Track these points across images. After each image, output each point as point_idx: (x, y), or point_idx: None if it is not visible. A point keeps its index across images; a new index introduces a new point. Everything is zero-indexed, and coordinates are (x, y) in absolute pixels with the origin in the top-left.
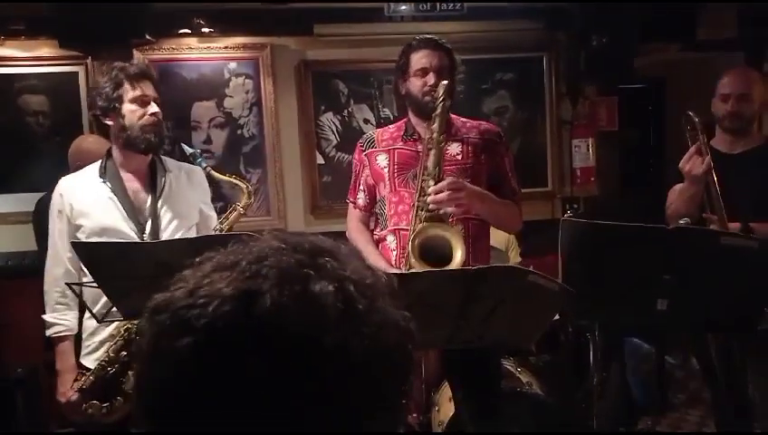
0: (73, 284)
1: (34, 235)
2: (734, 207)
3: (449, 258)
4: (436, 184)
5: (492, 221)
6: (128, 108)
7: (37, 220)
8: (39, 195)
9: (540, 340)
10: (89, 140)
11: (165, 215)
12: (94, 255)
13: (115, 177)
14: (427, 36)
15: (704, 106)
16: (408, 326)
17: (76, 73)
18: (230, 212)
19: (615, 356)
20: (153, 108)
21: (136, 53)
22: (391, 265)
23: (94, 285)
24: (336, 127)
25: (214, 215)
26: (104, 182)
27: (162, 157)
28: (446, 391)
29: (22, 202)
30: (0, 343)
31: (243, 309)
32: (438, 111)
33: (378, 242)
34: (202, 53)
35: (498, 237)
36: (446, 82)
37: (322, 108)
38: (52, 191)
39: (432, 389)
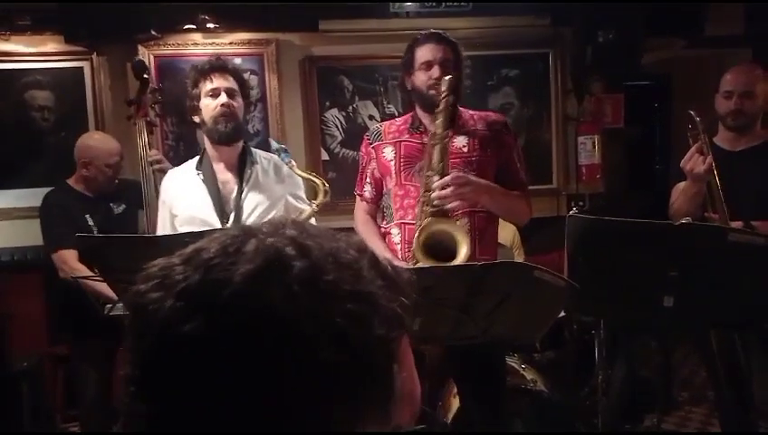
0: (80, 277)
1: (41, 229)
2: (737, 206)
3: (454, 254)
4: (440, 179)
5: (499, 213)
6: (203, 103)
7: (44, 215)
8: (44, 190)
9: (544, 337)
10: (95, 137)
11: (248, 206)
12: (98, 248)
13: (208, 168)
14: (432, 30)
15: (710, 103)
16: (391, 308)
17: (81, 69)
18: (304, 209)
19: (622, 353)
20: (222, 98)
21: (141, 49)
22: (397, 259)
23: (100, 278)
24: (341, 123)
25: (304, 207)
26: (199, 174)
27: (253, 148)
28: (450, 388)
29: (27, 197)
30: (5, 336)
31: (185, 260)
32: (441, 106)
33: (384, 235)
34: (207, 48)
35: (503, 234)
36: (448, 77)
37: (327, 104)
38: (60, 186)
39: (436, 385)
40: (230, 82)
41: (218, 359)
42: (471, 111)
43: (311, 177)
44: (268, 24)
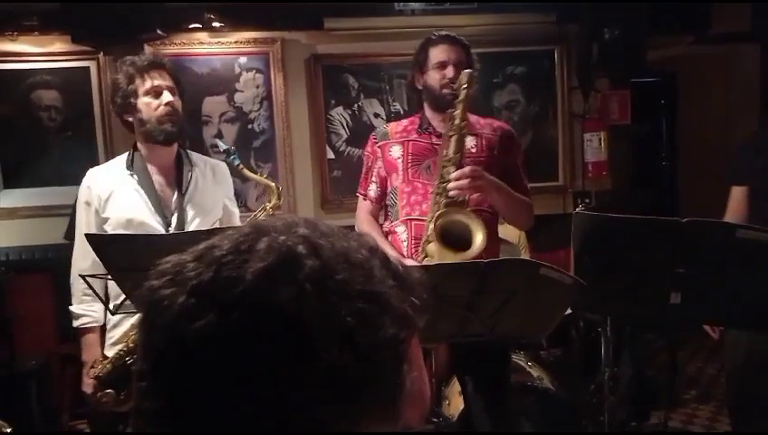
0: (88, 275)
1: (68, 227)
2: None
3: (469, 243)
4: (456, 170)
5: (505, 213)
6: (142, 101)
7: (74, 209)
8: (51, 189)
9: (551, 334)
10: None
11: (190, 210)
12: (108, 247)
13: (142, 170)
14: (446, 32)
15: (715, 99)
16: (402, 308)
17: (88, 68)
18: (258, 212)
19: (628, 351)
20: (167, 97)
21: (147, 48)
22: (403, 256)
23: (109, 277)
24: (346, 121)
25: (236, 211)
26: (131, 175)
27: (188, 151)
28: (456, 386)
29: (34, 197)
30: (14, 335)
31: (198, 257)
32: (461, 96)
33: (387, 234)
34: (213, 47)
35: (510, 232)
36: (469, 70)
37: (333, 102)
38: None
39: (442, 383)
40: (169, 81)
41: (228, 356)
42: (476, 117)
43: (263, 179)
44: (273, 23)
